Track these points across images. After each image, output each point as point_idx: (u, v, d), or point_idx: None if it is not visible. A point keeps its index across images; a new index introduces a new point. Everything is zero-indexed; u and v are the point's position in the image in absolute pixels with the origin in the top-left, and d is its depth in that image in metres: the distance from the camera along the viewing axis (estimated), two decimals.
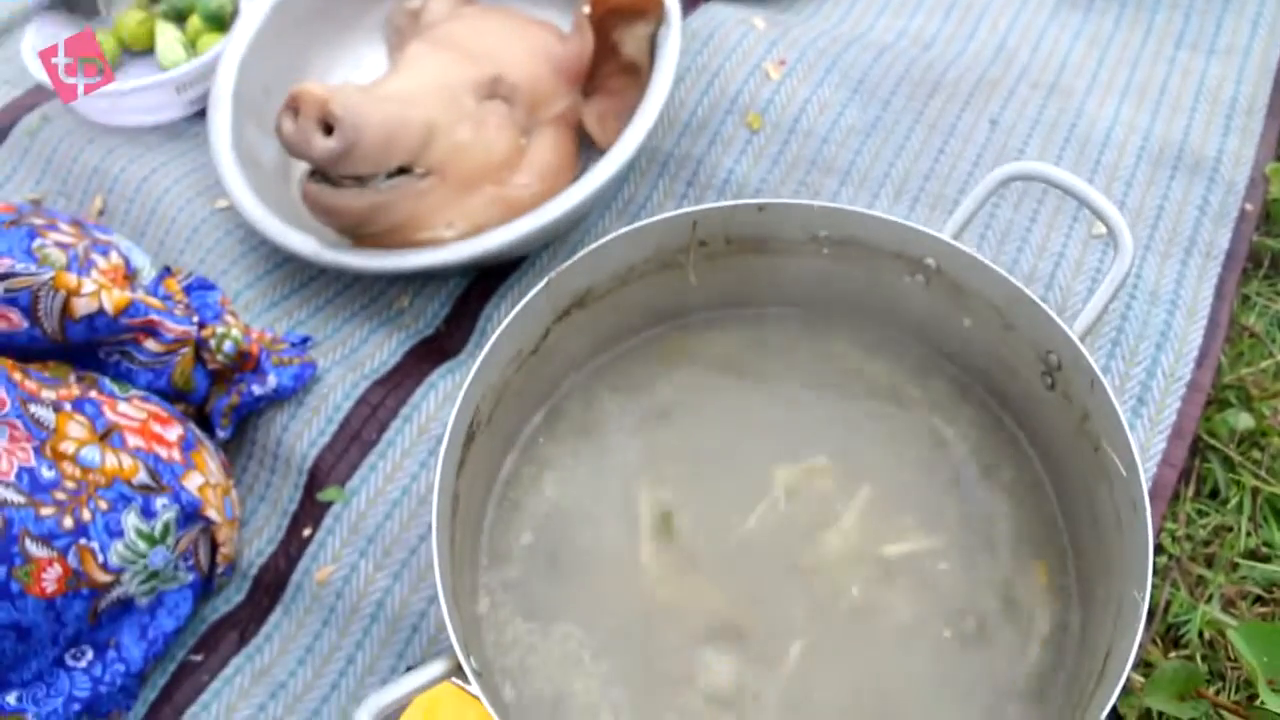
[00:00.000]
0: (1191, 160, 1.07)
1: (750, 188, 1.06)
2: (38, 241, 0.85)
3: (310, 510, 0.90)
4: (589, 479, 0.80)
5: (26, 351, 0.83)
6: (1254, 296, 1.02)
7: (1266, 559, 0.87)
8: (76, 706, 0.79)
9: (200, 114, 1.17)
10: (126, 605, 0.81)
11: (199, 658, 0.86)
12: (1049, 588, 0.74)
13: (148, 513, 0.79)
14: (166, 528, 0.80)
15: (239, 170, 1.03)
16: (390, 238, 0.96)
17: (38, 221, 0.88)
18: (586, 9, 1.01)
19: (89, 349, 0.86)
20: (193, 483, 0.83)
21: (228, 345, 0.90)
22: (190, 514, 0.83)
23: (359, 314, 1.03)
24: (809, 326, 0.85)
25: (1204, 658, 0.82)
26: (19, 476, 0.73)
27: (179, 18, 1.26)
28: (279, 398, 0.94)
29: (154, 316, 0.85)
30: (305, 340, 0.99)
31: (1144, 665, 0.81)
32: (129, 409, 0.83)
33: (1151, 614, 0.84)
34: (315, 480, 0.91)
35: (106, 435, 0.79)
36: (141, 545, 0.78)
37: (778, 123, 1.09)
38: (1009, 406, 0.80)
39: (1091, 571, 0.71)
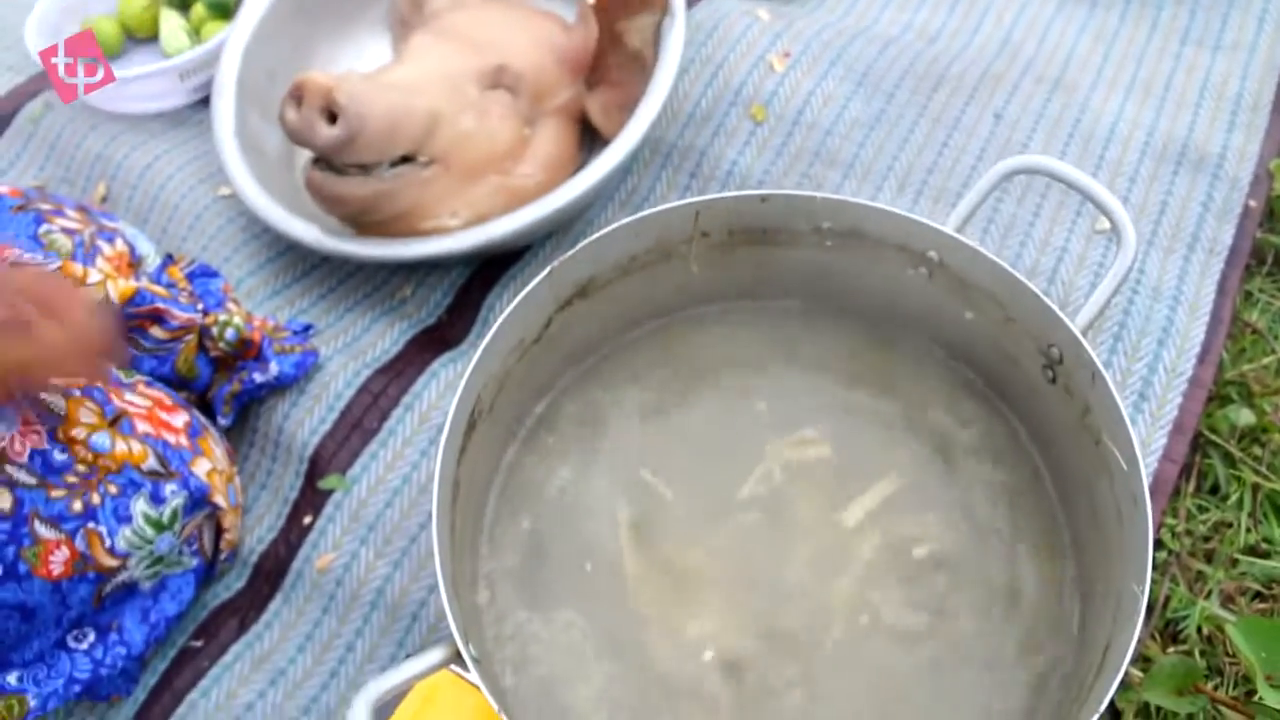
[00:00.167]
0: (1196, 156, 1.06)
1: (753, 180, 1.06)
2: (44, 227, 0.86)
3: (311, 498, 0.90)
4: (590, 468, 0.80)
5: None
6: (1256, 293, 1.02)
7: (1266, 555, 0.87)
8: (77, 688, 0.79)
9: (203, 101, 1.17)
10: (130, 589, 0.81)
11: (199, 643, 0.86)
12: (1048, 581, 0.74)
13: (156, 498, 0.79)
14: (174, 514, 0.80)
15: (242, 158, 1.03)
16: (393, 226, 0.96)
17: (45, 207, 0.88)
18: None
19: None
20: (200, 469, 0.84)
21: (230, 333, 0.90)
22: (198, 500, 0.83)
23: (361, 302, 1.03)
24: (811, 318, 0.85)
25: (1203, 653, 0.82)
26: (31, 459, 0.73)
27: (183, 5, 1.26)
28: (281, 385, 0.94)
29: (160, 305, 0.85)
30: (307, 328, 0.99)
31: (1143, 660, 0.81)
32: (134, 397, 0.83)
33: (1151, 609, 0.84)
34: (316, 468, 0.91)
35: (115, 421, 0.79)
36: (149, 531, 0.79)
37: (781, 115, 1.09)
38: (1010, 400, 0.80)
39: (1091, 565, 0.71)
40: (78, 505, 0.74)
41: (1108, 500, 0.68)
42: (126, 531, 0.77)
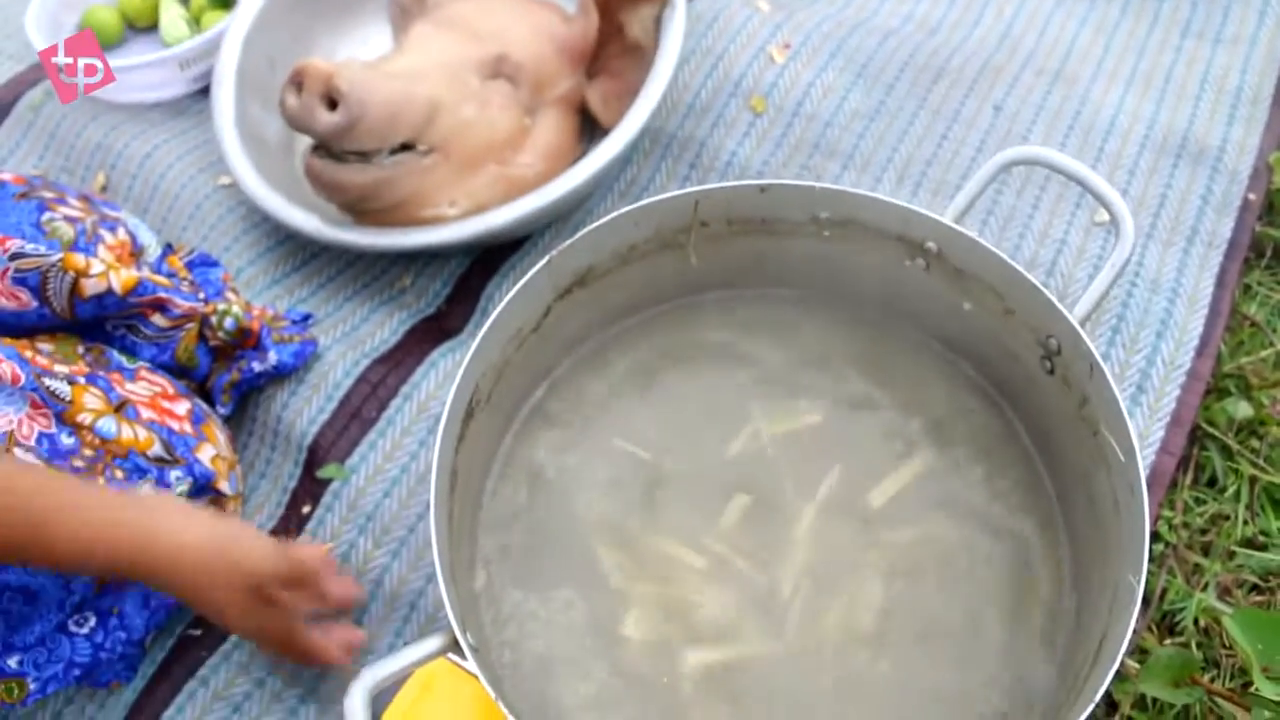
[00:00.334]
0: (1195, 149, 1.06)
1: (753, 170, 1.06)
2: (47, 215, 0.86)
3: (310, 487, 0.90)
4: (587, 452, 0.80)
5: (35, 329, 0.83)
6: (1255, 286, 1.02)
7: (1263, 547, 0.87)
8: (76, 672, 0.79)
9: (203, 91, 1.17)
10: None
11: (198, 632, 0.86)
12: (1043, 571, 0.74)
13: (162, 484, 0.79)
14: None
15: (242, 147, 1.03)
16: (392, 215, 0.96)
17: (47, 195, 0.88)
18: None
19: (96, 323, 0.86)
20: (205, 454, 0.84)
21: (229, 322, 0.90)
22: (202, 486, 0.83)
23: (360, 292, 1.03)
24: (809, 308, 0.85)
25: (1199, 645, 0.83)
26: (39, 441, 0.73)
27: None
28: (279, 374, 0.94)
29: (163, 294, 0.85)
30: (306, 318, 0.99)
31: (1139, 652, 0.82)
32: (136, 387, 0.83)
33: (1147, 601, 0.84)
34: (315, 457, 0.91)
35: (120, 408, 0.79)
36: None
37: (781, 106, 1.09)
38: (1007, 391, 0.80)
39: (1088, 556, 0.72)
40: None
41: (1105, 491, 0.68)
42: None
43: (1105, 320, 0.94)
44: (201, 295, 0.91)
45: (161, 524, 0.69)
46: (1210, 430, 0.92)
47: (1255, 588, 0.86)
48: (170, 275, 0.93)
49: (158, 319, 0.87)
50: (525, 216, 0.95)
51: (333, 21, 1.19)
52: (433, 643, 0.60)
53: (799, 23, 1.16)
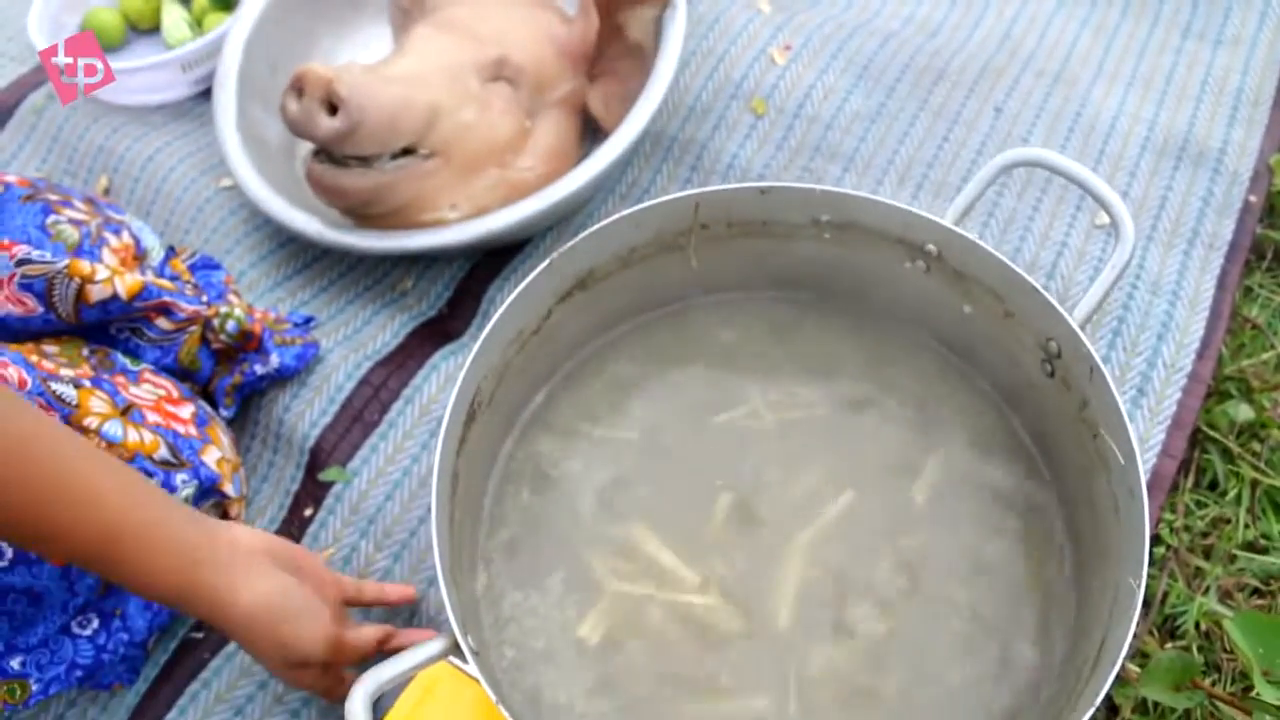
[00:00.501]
0: (1196, 151, 1.06)
1: (754, 173, 1.06)
2: (52, 218, 0.86)
3: (312, 490, 0.90)
4: (589, 457, 0.80)
5: (41, 333, 0.83)
6: (1256, 288, 1.02)
7: (1264, 551, 0.87)
8: (78, 673, 0.79)
9: (205, 93, 1.17)
10: None
11: (200, 635, 0.87)
12: (1043, 575, 0.74)
13: (168, 488, 0.79)
14: (185, 503, 0.81)
15: (244, 150, 1.03)
16: (394, 219, 0.96)
17: (53, 198, 0.89)
18: None
19: (101, 326, 0.86)
20: (210, 457, 0.84)
21: (231, 325, 0.90)
22: (208, 489, 0.83)
23: (362, 295, 1.03)
24: (809, 311, 0.86)
25: (1200, 648, 0.83)
26: None
27: None
28: (281, 377, 0.94)
29: (167, 298, 0.85)
30: (308, 320, 0.99)
31: (1140, 655, 0.82)
32: (140, 391, 0.84)
33: (1148, 604, 0.84)
34: (317, 460, 0.91)
35: (126, 411, 0.79)
36: None
37: (782, 108, 1.09)
38: (1008, 393, 0.81)
39: (1088, 560, 0.72)
40: None
41: (1105, 495, 0.68)
42: None
43: (1106, 323, 0.94)
44: (204, 298, 0.92)
45: (222, 584, 0.68)
46: (1211, 433, 0.92)
47: (1256, 591, 0.86)
48: (174, 278, 0.93)
49: (162, 322, 0.87)
50: (526, 219, 0.95)
51: (334, 23, 1.19)
52: (433, 646, 0.60)
53: (800, 25, 1.16)
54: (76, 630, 0.80)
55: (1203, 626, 0.83)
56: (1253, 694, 0.75)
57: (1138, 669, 0.79)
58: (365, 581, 0.81)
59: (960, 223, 0.77)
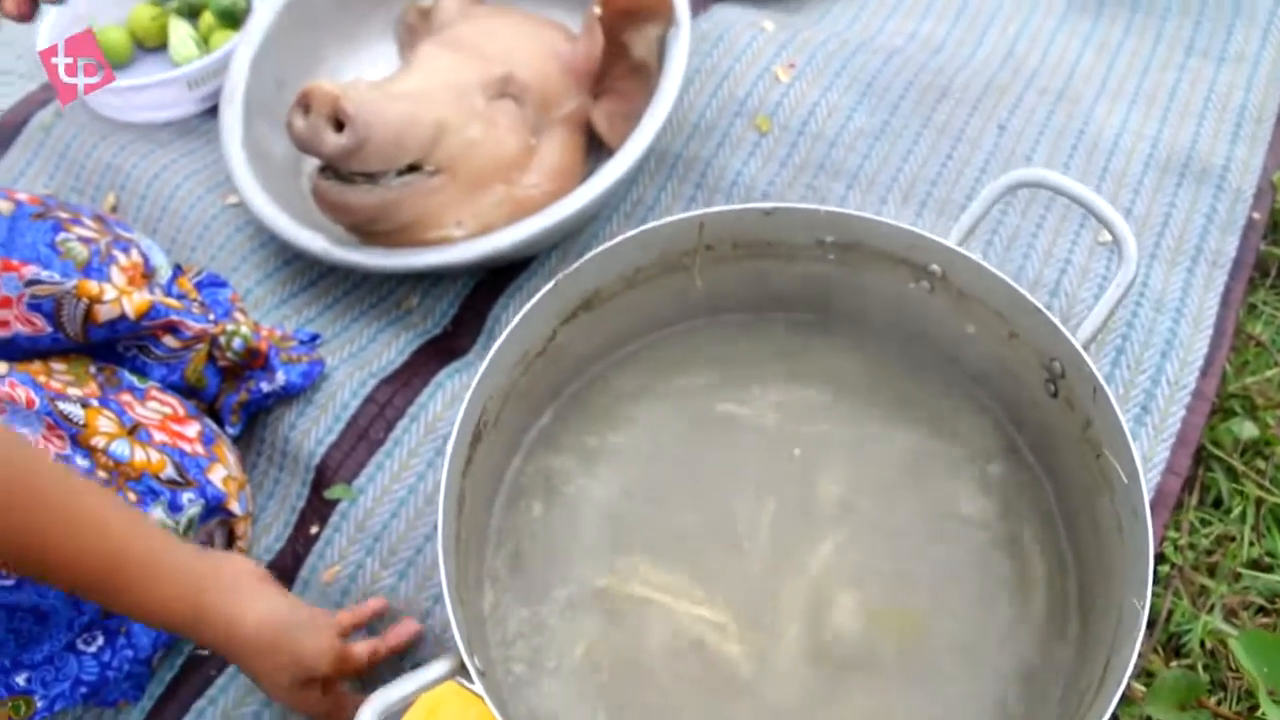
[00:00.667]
0: (1199, 168, 1.07)
1: (758, 190, 1.07)
2: (61, 235, 0.87)
3: (318, 508, 0.90)
4: (594, 476, 0.80)
5: (49, 352, 0.84)
6: (1260, 305, 1.02)
7: (1269, 569, 0.87)
8: (83, 690, 0.80)
9: (212, 110, 1.18)
10: None
11: (206, 652, 0.87)
12: (1047, 593, 0.74)
13: (174, 507, 0.80)
14: (191, 522, 0.81)
15: (250, 167, 1.03)
16: (399, 236, 0.96)
17: (63, 215, 0.89)
18: (596, 10, 1.02)
19: (108, 344, 0.87)
20: (216, 475, 0.84)
21: (237, 342, 0.90)
22: (214, 507, 0.84)
23: (368, 312, 1.03)
24: (813, 331, 0.86)
25: (1205, 667, 0.82)
26: None
27: (192, 14, 1.27)
28: (287, 395, 0.94)
29: (174, 317, 0.86)
30: (314, 338, 1.00)
31: (1145, 675, 0.82)
32: (146, 412, 0.84)
33: (1153, 623, 0.84)
34: (323, 478, 0.91)
35: (134, 430, 0.80)
36: None
37: (786, 125, 1.10)
38: (1012, 412, 0.80)
39: (1092, 579, 0.72)
40: None
41: (1109, 514, 0.68)
42: None
43: (1110, 340, 0.94)
44: (211, 316, 0.92)
45: (230, 606, 0.70)
46: (1215, 451, 0.92)
47: (1261, 610, 0.86)
48: (180, 297, 0.94)
49: (169, 340, 0.87)
50: (531, 237, 0.96)
51: (340, 41, 1.20)
52: (440, 666, 0.60)
53: (804, 42, 1.16)
54: (82, 647, 0.80)
55: (1208, 645, 0.83)
56: (1258, 713, 0.75)
57: (1143, 688, 0.79)
58: (365, 603, 0.82)
59: (964, 242, 0.77)
